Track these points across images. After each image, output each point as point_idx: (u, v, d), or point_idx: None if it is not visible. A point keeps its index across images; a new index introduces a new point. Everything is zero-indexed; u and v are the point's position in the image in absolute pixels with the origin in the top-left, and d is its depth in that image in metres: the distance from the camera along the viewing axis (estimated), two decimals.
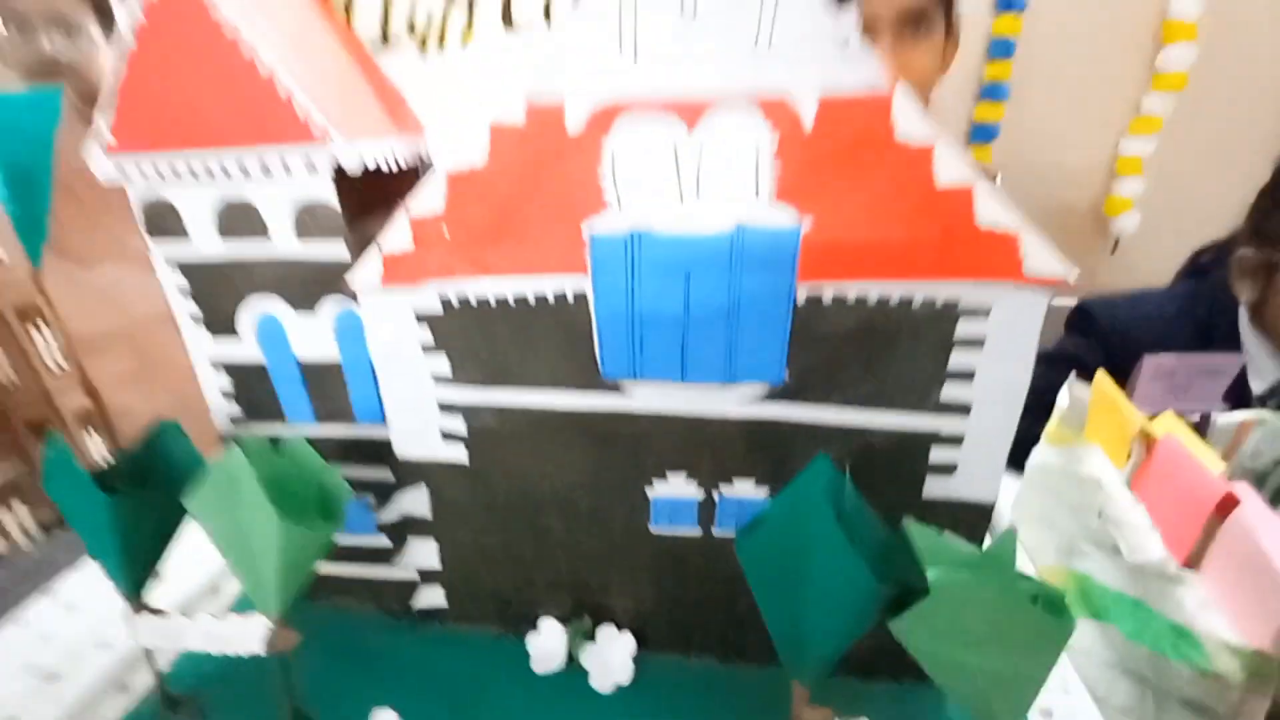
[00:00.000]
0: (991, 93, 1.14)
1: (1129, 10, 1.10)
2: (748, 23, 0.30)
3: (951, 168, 0.31)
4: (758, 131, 0.32)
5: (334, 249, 0.38)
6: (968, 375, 0.35)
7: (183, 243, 0.40)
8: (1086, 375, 0.79)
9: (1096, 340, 0.79)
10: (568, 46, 0.32)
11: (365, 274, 0.38)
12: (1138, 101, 1.15)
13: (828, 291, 0.34)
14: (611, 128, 0.33)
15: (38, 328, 0.76)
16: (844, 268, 0.33)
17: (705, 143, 0.32)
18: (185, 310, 0.42)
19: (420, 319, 0.39)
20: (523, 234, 0.35)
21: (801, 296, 0.34)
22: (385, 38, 0.63)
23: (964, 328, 0.34)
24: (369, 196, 0.39)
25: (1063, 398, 0.60)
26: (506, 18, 0.54)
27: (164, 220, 0.40)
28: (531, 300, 0.37)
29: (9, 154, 0.34)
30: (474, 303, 0.38)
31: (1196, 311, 0.78)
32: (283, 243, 0.39)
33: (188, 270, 0.41)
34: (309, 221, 0.38)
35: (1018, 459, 0.41)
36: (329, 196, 0.37)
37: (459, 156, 0.34)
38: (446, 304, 0.38)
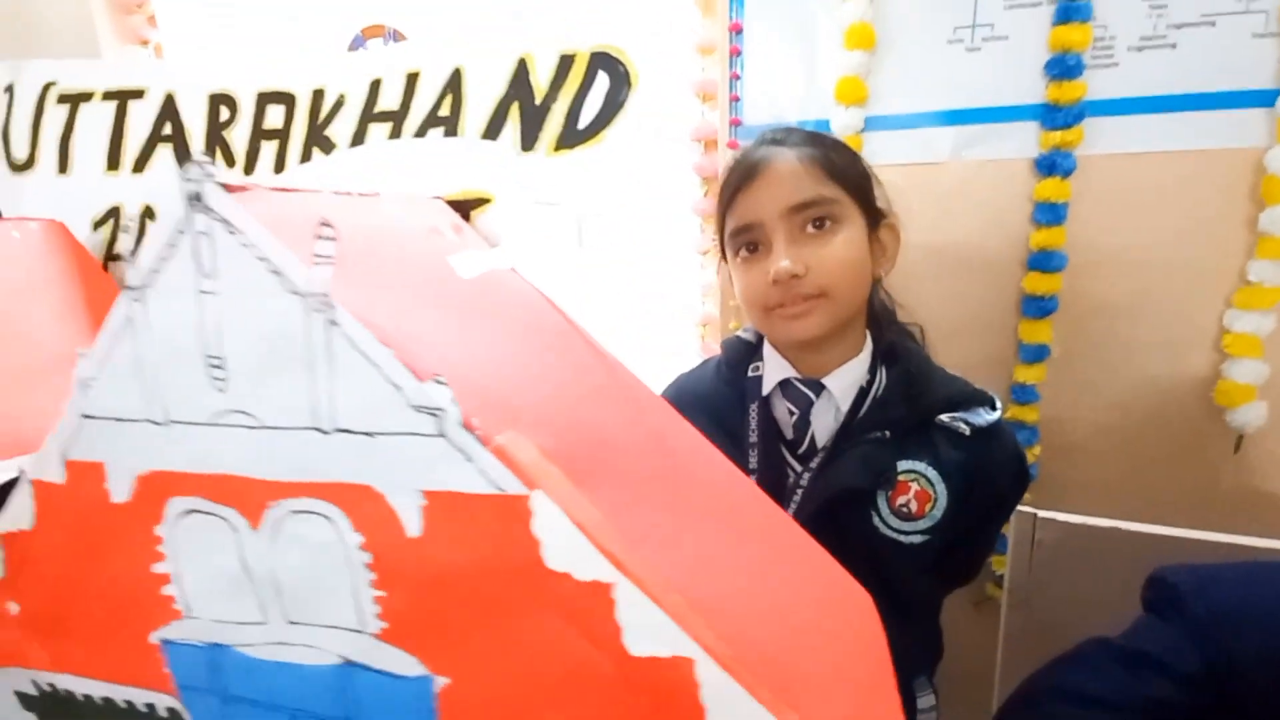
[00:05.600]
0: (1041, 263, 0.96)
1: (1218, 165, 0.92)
2: (296, 389, 0.19)
3: (645, 620, 0.17)
4: (338, 534, 0.19)
5: None
6: None
7: None
8: (1175, 690, 0.55)
9: (1185, 633, 0.54)
10: (99, 398, 0.22)
11: None
12: (1241, 269, 0.93)
13: None
14: (164, 508, 0.21)
15: None
16: None
17: (273, 545, 0.20)
18: None
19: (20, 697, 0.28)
20: (87, 631, 0.24)
21: None
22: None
23: None
24: None
25: None
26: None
27: None
28: (122, 704, 0.25)
29: None
30: (74, 695, 0.26)
31: None
32: None
33: None
34: None
35: None
36: None
37: (8, 513, 0.24)
38: (42, 693, 0.27)
